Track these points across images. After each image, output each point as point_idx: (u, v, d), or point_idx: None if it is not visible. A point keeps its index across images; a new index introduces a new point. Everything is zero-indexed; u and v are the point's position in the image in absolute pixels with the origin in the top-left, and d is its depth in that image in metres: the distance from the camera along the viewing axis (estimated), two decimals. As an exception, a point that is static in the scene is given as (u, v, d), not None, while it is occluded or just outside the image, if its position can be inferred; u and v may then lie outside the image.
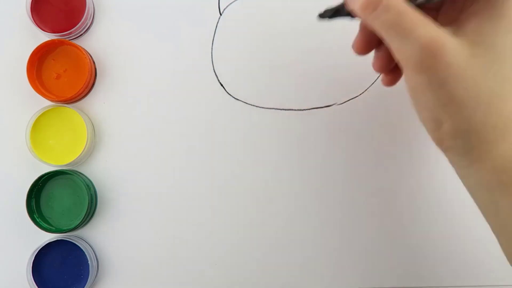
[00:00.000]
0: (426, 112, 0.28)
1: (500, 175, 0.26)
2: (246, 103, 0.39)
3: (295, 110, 0.39)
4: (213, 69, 0.39)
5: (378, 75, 0.38)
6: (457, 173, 0.29)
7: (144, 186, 0.38)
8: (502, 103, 0.26)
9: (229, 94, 0.39)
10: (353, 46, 0.32)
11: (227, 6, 0.39)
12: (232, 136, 0.38)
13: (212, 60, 0.39)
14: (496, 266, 0.36)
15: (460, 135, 0.26)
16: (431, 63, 0.25)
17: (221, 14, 0.39)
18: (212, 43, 0.39)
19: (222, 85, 0.39)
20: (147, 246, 0.38)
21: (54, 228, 0.37)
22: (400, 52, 0.27)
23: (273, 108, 0.39)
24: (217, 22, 0.39)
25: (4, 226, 0.38)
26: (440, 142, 0.28)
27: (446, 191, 0.37)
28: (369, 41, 0.31)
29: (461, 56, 0.25)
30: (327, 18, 0.32)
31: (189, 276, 0.38)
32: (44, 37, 0.38)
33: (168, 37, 0.39)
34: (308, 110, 0.38)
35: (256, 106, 0.39)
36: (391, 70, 0.33)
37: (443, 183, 0.37)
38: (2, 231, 0.38)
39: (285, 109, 0.39)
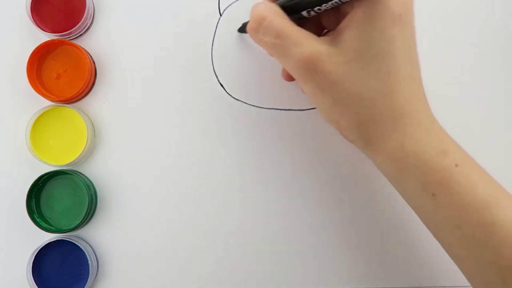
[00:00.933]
0: (323, 114, 0.31)
1: (398, 163, 0.29)
2: (246, 103, 0.39)
3: (295, 110, 0.39)
4: (213, 69, 0.39)
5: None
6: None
7: (144, 186, 0.38)
8: (387, 98, 0.28)
9: (229, 94, 0.39)
10: (282, 75, 0.37)
11: (227, 7, 0.39)
12: (232, 136, 0.38)
13: (212, 60, 0.39)
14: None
15: (355, 129, 0.30)
16: (310, 74, 0.29)
17: (221, 14, 0.39)
18: (212, 43, 0.39)
19: (222, 85, 0.39)
20: (147, 246, 0.38)
21: (54, 228, 0.37)
22: (286, 67, 0.31)
23: (273, 108, 0.39)
24: (217, 22, 0.39)
25: (4, 226, 0.38)
26: (345, 136, 0.31)
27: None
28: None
29: (337, 64, 0.28)
30: (242, 33, 0.37)
31: (189, 276, 0.38)
32: (44, 37, 0.38)
33: (168, 37, 0.39)
34: (308, 110, 0.39)
35: (256, 106, 0.39)
36: None
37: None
38: (2, 231, 0.38)
39: (285, 109, 0.39)
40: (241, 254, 0.38)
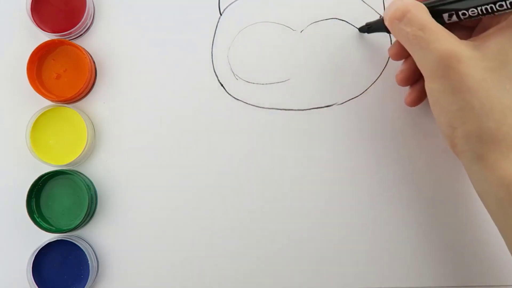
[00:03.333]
0: (441, 117, 0.30)
1: (509, 186, 0.27)
2: (246, 103, 0.39)
3: (295, 110, 0.39)
4: (213, 69, 0.39)
5: (378, 75, 0.38)
6: (469, 177, 0.30)
7: (144, 185, 0.38)
8: None
9: (229, 94, 0.39)
10: (389, 50, 0.35)
11: (227, 6, 0.39)
12: (232, 136, 0.38)
13: (212, 60, 0.39)
14: (497, 265, 0.36)
15: (472, 141, 0.28)
16: (446, 72, 0.28)
17: (221, 14, 0.39)
18: (212, 43, 0.39)
19: (222, 85, 0.39)
20: (147, 246, 0.38)
21: (54, 228, 0.37)
22: (420, 61, 0.29)
23: (273, 108, 0.39)
24: (217, 22, 0.39)
25: (4, 226, 0.38)
26: (453, 146, 0.30)
27: (446, 189, 0.37)
28: (401, 52, 0.34)
29: (476, 68, 0.27)
30: (365, 32, 0.37)
31: (189, 276, 0.38)
32: (44, 37, 0.38)
33: (168, 37, 0.39)
34: (308, 110, 0.38)
35: (256, 106, 0.39)
36: (416, 89, 0.35)
37: (443, 181, 0.37)
38: (2, 231, 0.38)
39: (285, 109, 0.39)
40: (241, 254, 0.38)
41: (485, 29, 0.30)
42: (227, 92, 0.39)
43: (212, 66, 0.39)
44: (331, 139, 0.38)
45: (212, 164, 0.38)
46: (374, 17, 0.38)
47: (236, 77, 0.39)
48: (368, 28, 0.36)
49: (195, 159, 0.38)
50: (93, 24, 0.39)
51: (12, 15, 0.39)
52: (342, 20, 0.39)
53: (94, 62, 0.39)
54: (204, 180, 0.38)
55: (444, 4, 0.29)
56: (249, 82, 0.39)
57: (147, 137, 0.38)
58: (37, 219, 0.37)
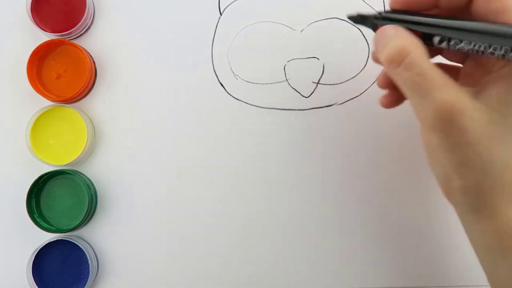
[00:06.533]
0: (437, 168, 0.28)
1: (502, 239, 0.26)
2: (246, 103, 0.39)
3: (295, 110, 0.39)
4: (213, 69, 0.39)
5: (378, 75, 0.38)
6: (462, 225, 0.29)
7: (144, 185, 0.38)
8: None
9: (229, 94, 0.39)
10: (377, 81, 0.33)
11: (227, 6, 0.39)
12: (232, 136, 0.38)
13: (212, 60, 0.39)
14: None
15: (468, 194, 0.27)
16: (446, 126, 0.26)
17: (221, 14, 0.39)
18: (212, 43, 0.39)
19: (222, 85, 0.39)
20: (147, 246, 0.38)
21: (54, 228, 0.37)
22: (417, 109, 0.27)
23: (273, 108, 0.39)
24: (217, 22, 0.39)
25: (4, 226, 0.38)
26: (448, 195, 0.28)
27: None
28: (391, 83, 0.32)
29: (478, 122, 0.26)
30: (353, 21, 0.33)
31: (189, 276, 0.38)
32: (44, 37, 0.38)
33: (168, 37, 0.39)
34: (308, 110, 0.38)
35: (256, 106, 0.39)
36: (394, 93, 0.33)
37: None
38: (2, 231, 0.38)
39: (285, 109, 0.39)
40: (242, 254, 0.38)
41: (474, 73, 0.29)
42: (227, 92, 0.39)
43: (212, 66, 0.39)
44: (331, 139, 0.38)
45: (212, 164, 0.38)
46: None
47: (236, 77, 0.39)
48: (356, 19, 0.33)
49: (195, 159, 0.38)
50: (93, 24, 0.39)
51: (12, 15, 0.39)
52: (342, 20, 0.39)
53: (94, 62, 0.39)
54: (204, 179, 0.38)
55: (435, 27, 0.27)
56: (249, 82, 0.39)
57: (147, 137, 0.38)
58: (37, 219, 0.37)
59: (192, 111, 0.39)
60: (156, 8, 0.39)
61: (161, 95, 0.39)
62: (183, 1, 0.39)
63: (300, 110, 0.39)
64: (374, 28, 0.30)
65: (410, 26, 0.28)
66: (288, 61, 0.39)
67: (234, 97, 0.39)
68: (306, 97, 0.38)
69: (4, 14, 0.39)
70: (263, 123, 0.38)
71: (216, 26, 0.39)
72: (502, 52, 0.25)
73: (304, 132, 0.38)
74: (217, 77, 0.39)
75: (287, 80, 0.39)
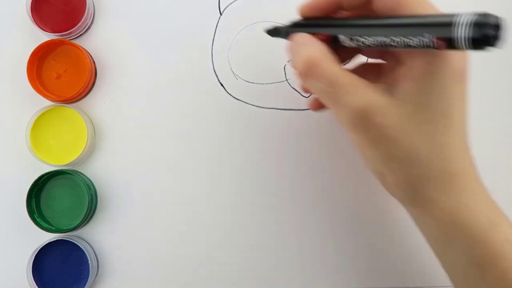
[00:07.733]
0: (370, 165, 0.29)
1: (444, 228, 0.27)
2: (246, 103, 0.39)
3: (295, 110, 0.39)
4: (213, 69, 0.39)
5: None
6: (411, 218, 0.30)
7: (144, 186, 0.38)
8: (441, 159, 0.26)
9: (229, 94, 0.39)
10: (308, 103, 0.34)
11: (227, 6, 0.39)
12: (232, 136, 0.38)
13: (212, 60, 0.39)
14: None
15: (403, 187, 0.28)
16: (363, 126, 0.27)
17: (221, 14, 0.39)
18: (212, 43, 0.39)
19: (222, 85, 0.39)
20: (147, 246, 0.38)
21: (54, 228, 0.37)
22: (336, 115, 0.28)
23: (273, 108, 0.39)
24: (217, 22, 0.39)
25: (4, 226, 0.38)
26: (389, 191, 0.29)
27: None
28: (321, 104, 0.33)
29: (393, 117, 0.26)
30: (270, 35, 0.34)
31: (189, 276, 0.38)
32: (44, 37, 0.38)
33: (168, 37, 0.39)
34: (308, 110, 0.38)
35: (256, 106, 0.39)
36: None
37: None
38: (2, 231, 0.38)
39: (285, 109, 0.39)
40: (241, 254, 0.38)
41: (385, 69, 0.29)
42: (227, 92, 0.39)
43: (212, 66, 0.39)
44: (331, 139, 0.38)
45: (212, 164, 0.38)
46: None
47: (236, 77, 0.39)
48: (272, 32, 0.34)
49: (195, 159, 0.38)
50: (93, 24, 0.39)
51: (12, 15, 0.39)
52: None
53: (94, 62, 0.39)
54: (204, 179, 0.38)
55: (338, 27, 0.28)
56: (249, 82, 0.39)
57: (147, 137, 0.38)
58: (37, 219, 0.37)
59: (192, 111, 0.39)
60: (156, 8, 0.39)
61: (161, 95, 0.39)
62: (183, 1, 0.39)
63: (300, 110, 0.39)
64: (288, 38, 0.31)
65: (318, 30, 0.29)
66: (288, 61, 0.39)
67: (234, 97, 0.39)
68: (306, 97, 0.38)
69: (4, 14, 0.39)
70: (263, 123, 0.38)
71: (216, 26, 0.39)
72: (401, 42, 0.25)
73: (304, 132, 0.38)
74: (217, 77, 0.39)
75: (287, 80, 0.39)
